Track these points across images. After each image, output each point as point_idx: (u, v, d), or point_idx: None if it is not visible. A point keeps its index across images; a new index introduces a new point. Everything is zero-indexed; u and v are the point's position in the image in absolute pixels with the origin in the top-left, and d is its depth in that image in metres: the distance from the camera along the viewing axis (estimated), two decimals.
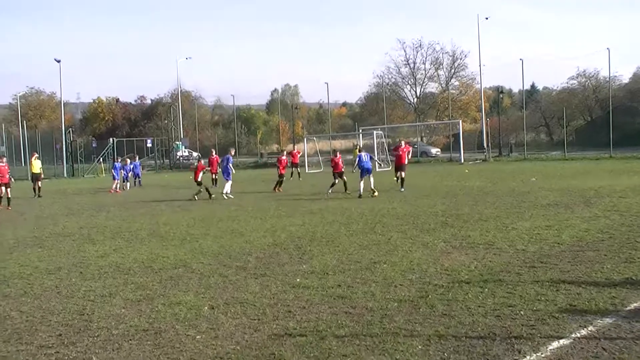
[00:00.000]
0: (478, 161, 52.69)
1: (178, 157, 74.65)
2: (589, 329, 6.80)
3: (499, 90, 70.40)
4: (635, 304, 7.55)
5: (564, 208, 17.05)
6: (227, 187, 26.89)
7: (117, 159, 40.87)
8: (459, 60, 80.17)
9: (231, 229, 15.98)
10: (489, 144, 57.87)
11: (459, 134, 55.43)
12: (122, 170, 36.94)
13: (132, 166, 39.63)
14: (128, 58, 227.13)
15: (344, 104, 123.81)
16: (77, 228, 17.84)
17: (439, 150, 64.17)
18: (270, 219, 17.76)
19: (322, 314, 7.80)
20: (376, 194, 23.37)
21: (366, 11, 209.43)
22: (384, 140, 52.24)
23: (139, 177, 40.95)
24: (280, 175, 30.32)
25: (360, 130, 56.78)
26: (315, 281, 9.46)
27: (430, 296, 8.28)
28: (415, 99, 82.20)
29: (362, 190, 23.57)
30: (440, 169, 42.64)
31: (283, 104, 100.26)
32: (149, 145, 74.06)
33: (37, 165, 33.13)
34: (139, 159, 46.54)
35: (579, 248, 11.12)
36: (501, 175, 32.25)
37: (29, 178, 35.77)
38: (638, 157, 44.19)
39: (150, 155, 74.38)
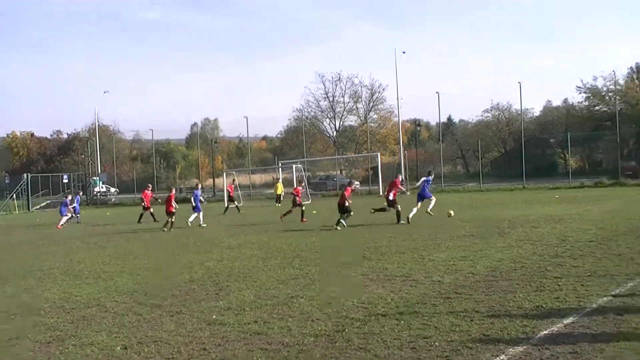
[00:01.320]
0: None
1: (95, 192, 73.26)
2: (501, 357, 6.90)
3: (416, 123, 71.80)
4: (545, 332, 7.70)
5: (479, 239, 17.37)
6: (193, 217, 29.32)
7: (66, 195, 41.17)
8: (377, 93, 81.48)
9: (147, 266, 15.73)
10: (407, 177, 58.66)
11: (377, 166, 56.08)
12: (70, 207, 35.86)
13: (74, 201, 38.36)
14: (44, 91, 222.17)
15: (264, 138, 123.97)
16: None
17: (359, 183, 64.70)
18: (188, 255, 17.55)
19: (238, 350, 7.71)
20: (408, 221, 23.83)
21: (284, 45, 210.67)
22: (303, 173, 52.41)
23: (77, 213, 38.91)
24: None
25: (280, 164, 56.89)
26: (231, 317, 9.36)
27: (346, 330, 8.27)
28: (335, 132, 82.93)
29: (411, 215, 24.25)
30: (360, 202, 42.92)
31: (203, 138, 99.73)
32: (65, 180, 72.50)
33: None
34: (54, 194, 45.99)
35: (493, 278, 11.31)
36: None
37: None
38: (549, 187, 45.59)
39: (66, 192, 72.78)
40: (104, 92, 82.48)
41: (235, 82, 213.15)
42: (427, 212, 24.97)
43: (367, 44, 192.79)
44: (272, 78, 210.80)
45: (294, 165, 49.67)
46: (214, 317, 9.47)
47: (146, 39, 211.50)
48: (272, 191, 43.78)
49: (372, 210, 26.48)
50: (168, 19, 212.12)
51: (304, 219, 27.98)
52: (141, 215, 34.51)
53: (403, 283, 11.33)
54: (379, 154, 59.56)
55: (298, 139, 74.16)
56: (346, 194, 24.44)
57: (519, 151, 54.35)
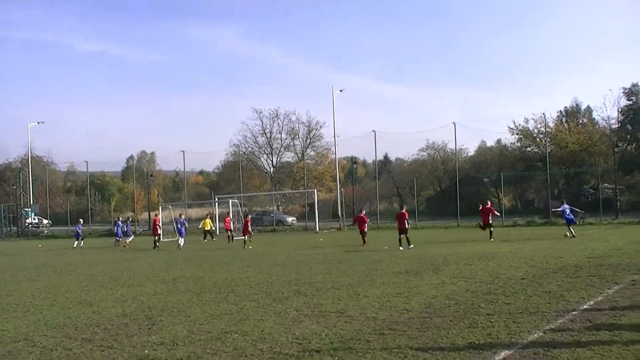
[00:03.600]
0: (333, 230, 53.47)
1: (27, 224, 71.71)
2: None
3: (352, 160, 72.36)
4: None
5: (414, 275, 17.50)
6: (182, 241, 36.29)
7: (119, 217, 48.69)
8: (315, 130, 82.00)
9: (79, 299, 15.41)
10: (344, 213, 58.91)
11: (314, 202, 56.22)
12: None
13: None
14: None
15: (201, 172, 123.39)
16: None
17: (295, 218, 64.79)
18: (120, 289, 17.27)
19: None
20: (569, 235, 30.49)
21: (222, 79, 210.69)
22: (239, 208, 52.22)
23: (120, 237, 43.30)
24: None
25: (217, 199, 56.60)
26: (164, 352, 9.22)
27: None
28: (272, 168, 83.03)
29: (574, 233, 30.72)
30: (296, 237, 42.99)
31: (139, 171, 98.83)
32: None
33: None
34: None
35: (427, 314, 11.40)
36: (355, 243, 32.79)
37: None
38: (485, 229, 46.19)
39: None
40: (38, 123, 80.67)
41: (173, 116, 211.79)
42: (565, 235, 30.84)
43: (305, 81, 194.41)
44: (209, 112, 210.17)
45: (230, 200, 49.44)
46: (146, 352, 9.33)
47: (83, 71, 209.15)
48: (200, 226, 43.50)
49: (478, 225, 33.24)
50: (106, 51, 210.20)
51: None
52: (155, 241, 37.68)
53: (337, 319, 11.33)
54: (315, 190, 59.85)
55: (235, 174, 74.04)
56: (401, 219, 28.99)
57: (454, 189, 55.17)
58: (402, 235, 28.70)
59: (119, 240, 42.61)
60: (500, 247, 26.25)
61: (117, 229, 44.38)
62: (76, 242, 43.52)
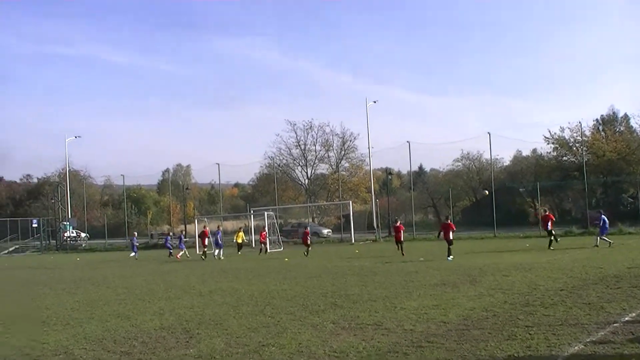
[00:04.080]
0: (368, 241, 53.39)
1: (65, 237, 72.55)
2: None
3: (387, 171, 72.09)
4: None
5: (451, 287, 17.38)
6: (220, 252, 38.41)
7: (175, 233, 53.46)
8: (349, 142, 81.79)
9: (117, 312, 15.53)
10: (379, 224, 58.77)
11: (349, 214, 56.16)
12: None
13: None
14: (14, 135, 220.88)
15: (236, 185, 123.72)
16: None
17: (330, 230, 64.72)
18: (158, 302, 17.38)
19: None
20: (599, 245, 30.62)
21: (256, 92, 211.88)
22: (275, 221, 52.30)
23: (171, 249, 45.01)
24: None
25: (252, 211, 56.78)
26: None
27: None
28: (307, 180, 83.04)
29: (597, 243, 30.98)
30: (332, 249, 42.96)
31: (174, 184, 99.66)
32: (35, 225, 71.87)
33: None
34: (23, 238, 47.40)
35: (465, 327, 11.31)
36: (391, 255, 32.70)
37: None
38: (519, 236, 45.86)
39: (35, 236, 72.10)
40: (75, 137, 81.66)
41: (207, 129, 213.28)
42: (596, 245, 30.85)
43: (338, 93, 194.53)
44: (244, 125, 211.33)
45: (265, 213, 49.57)
46: None
47: (118, 84, 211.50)
48: (234, 239, 43.85)
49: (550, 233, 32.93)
50: (141, 65, 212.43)
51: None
52: (204, 252, 39.91)
53: (374, 331, 11.28)
54: (350, 202, 59.74)
55: (270, 186, 74.14)
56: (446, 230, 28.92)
57: (490, 200, 54.76)
58: (449, 246, 28.69)
59: (171, 252, 44.00)
60: (537, 258, 25.98)
61: (166, 243, 46.86)
62: (133, 254, 45.36)
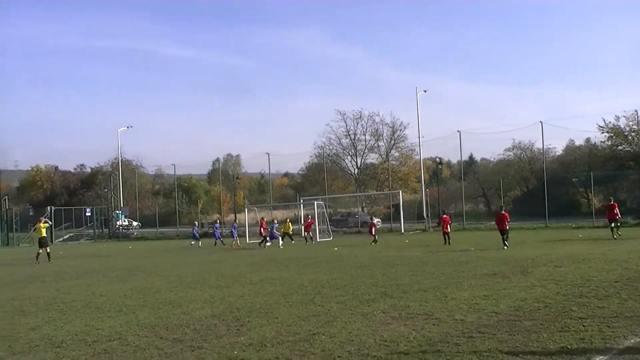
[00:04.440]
0: (418, 231, 53.18)
1: (117, 226, 73.63)
2: None
3: (437, 161, 71.59)
4: None
5: (502, 277, 17.21)
6: (280, 242, 39.57)
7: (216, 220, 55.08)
8: (399, 131, 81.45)
9: (169, 300, 15.70)
10: (429, 214, 58.49)
11: (399, 204, 55.98)
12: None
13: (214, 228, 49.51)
14: (68, 126, 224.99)
15: (286, 174, 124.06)
16: (8, 299, 17.33)
17: (380, 220, 64.53)
18: (209, 290, 17.52)
19: None
20: None
21: (306, 82, 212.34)
22: (324, 210, 52.35)
23: (219, 238, 47.83)
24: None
25: (302, 201, 56.91)
26: (252, 354, 9.30)
27: None
28: (356, 170, 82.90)
29: None
30: (381, 239, 42.81)
31: (224, 173, 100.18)
32: (88, 214, 73.10)
33: (44, 230, 33.38)
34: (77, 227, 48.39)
35: (516, 317, 11.18)
36: (440, 245, 32.53)
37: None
38: (571, 226, 45.24)
39: (88, 225, 73.29)
40: (127, 127, 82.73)
41: (258, 119, 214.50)
42: None
43: (388, 82, 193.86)
44: (294, 115, 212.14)
45: (315, 202, 49.62)
46: (235, 352, 9.42)
47: (171, 77, 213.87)
48: (295, 227, 44.27)
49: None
50: (189, 57, 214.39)
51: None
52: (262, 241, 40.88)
53: (425, 321, 11.22)
54: (400, 191, 59.53)
55: (319, 176, 74.25)
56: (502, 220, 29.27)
57: (541, 190, 54.08)
58: (503, 235, 28.99)
59: (217, 241, 46.06)
60: (591, 249, 25.60)
61: (215, 232, 48.58)
62: (193, 242, 46.55)
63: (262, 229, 41.32)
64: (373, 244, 36.99)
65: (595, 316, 10.97)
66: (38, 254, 32.64)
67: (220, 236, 47.40)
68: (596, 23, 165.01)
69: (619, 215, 33.68)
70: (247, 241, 46.37)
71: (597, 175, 58.77)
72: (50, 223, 34.84)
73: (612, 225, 32.83)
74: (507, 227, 29.37)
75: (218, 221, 50.35)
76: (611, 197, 36.89)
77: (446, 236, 34.09)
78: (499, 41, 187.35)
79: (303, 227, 44.65)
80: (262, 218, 44.07)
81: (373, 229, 40.54)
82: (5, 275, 25.74)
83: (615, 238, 30.90)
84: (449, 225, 35.47)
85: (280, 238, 40.05)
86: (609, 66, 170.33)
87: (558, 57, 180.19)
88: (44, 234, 33.41)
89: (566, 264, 20.06)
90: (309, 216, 45.66)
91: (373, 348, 9.31)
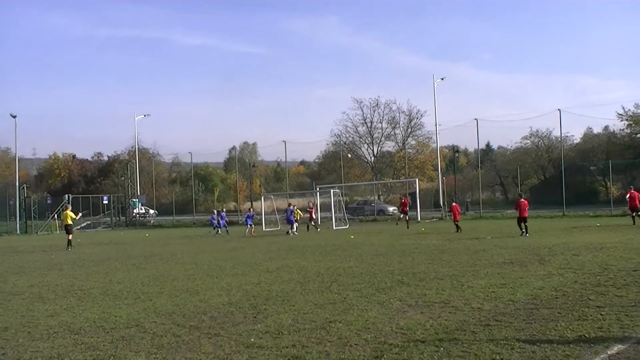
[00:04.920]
0: (435, 219, 53.07)
1: (134, 214, 73.97)
2: None
3: (454, 149, 71.39)
4: None
5: (519, 266, 17.15)
6: (293, 228, 40.08)
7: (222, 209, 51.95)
8: (415, 119, 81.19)
9: (186, 288, 15.75)
10: (445, 203, 58.33)
11: (415, 192, 55.86)
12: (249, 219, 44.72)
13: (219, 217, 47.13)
14: (86, 114, 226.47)
15: (302, 162, 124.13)
16: (27, 286, 17.45)
17: (396, 208, 64.41)
18: (225, 278, 17.56)
19: None
20: None
21: (323, 71, 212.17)
22: (341, 198, 52.33)
23: (226, 227, 47.06)
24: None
25: (318, 189, 56.90)
26: (269, 341, 9.32)
27: (385, 356, 8.19)
28: (373, 158, 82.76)
29: None
30: (398, 227, 42.79)
31: (241, 162, 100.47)
32: (105, 202, 73.56)
33: (70, 217, 34.16)
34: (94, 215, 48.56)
35: (534, 306, 11.14)
36: (457, 233, 32.46)
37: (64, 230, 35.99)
38: (590, 215, 44.96)
39: (106, 213, 73.68)
40: (145, 116, 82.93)
41: (274, 107, 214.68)
42: None
43: (405, 70, 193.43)
44: (310, 103, 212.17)
45: (332, 190, 49.61)
46: (252, 340, 9.44)
47: (187, 65, 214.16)
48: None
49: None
50: (206, 45, 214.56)
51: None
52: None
53: (442, 309, 11.20)
54: (417, 179, 59.38)
55: (336, 164, 74.18)
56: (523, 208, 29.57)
57: (559, 178, 53.78)
58: (522, 223, 29.29)
59: (214, 230, 45.95)
60: (609, 238, 25.46)
61: (211, 220, 48.07)
62: (217, 230, 46.35)
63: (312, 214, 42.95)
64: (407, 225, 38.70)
65: (614, 305, 10.92)
66: (69, 240, 33.44)
67: (216, 226, 46.66)
68: (620, 10, 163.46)
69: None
70: (264, 229, 46.42)
71: (616, 163, 58.37)
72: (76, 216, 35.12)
73: (634, 214, 33.47)
74: (527, 215, 29.63)
75: (216, 211, 49.06)
76: (631, 186, 36.97)
77: (457, 224, 34.64)
78: (519, 29, 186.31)
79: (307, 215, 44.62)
80: (290, 204, 44.15)
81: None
82: (24, 263, 25.90)
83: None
84: (458, 213, 35.87)
85: (295, 224, 40.47)
86: (631, 54, 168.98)
87: (579, 44, 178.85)
88: (69, 222, 34.12)
89: (584, 252, 19.97)
90: (310, 203, 45.64)
91: (389, 336, 9.31)
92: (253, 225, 43.83)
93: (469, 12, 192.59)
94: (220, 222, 46.58)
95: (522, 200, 30.22)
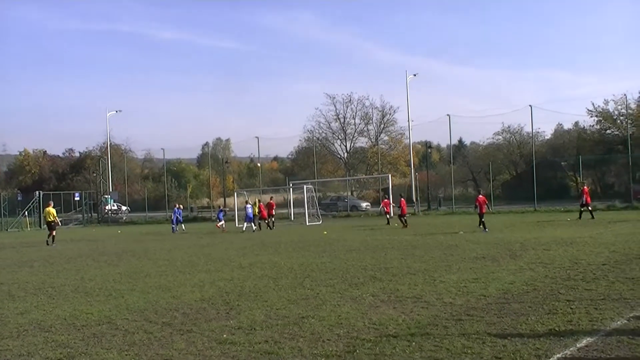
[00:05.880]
0: (407, 215, 53.20)
1: (106, 211, 73.48)
2: None
3: (427, 145, 71.70)
4: (558, 355, 7.62)
5: (491, 261, 17.28)
6: (250, 224, 40.27)
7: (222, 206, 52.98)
8: (388, 115, 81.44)
9: (158, 284, 15.69)
10: (418, 198, 58.56)
11: (388, 188, 56.02)
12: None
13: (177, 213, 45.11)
14: (56, 110, 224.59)
15: (275, 158, 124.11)
16: None
17: (369, 204, 64.56)
18: (198, 274, 17.51)
19: None
20: None
21: (295, 66, 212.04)
22: (314, 194, 52.34)
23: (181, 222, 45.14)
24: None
25: (291, 185, 56.87)
26: (242, 337, 9.32)
27: (357, 351, 8.22)
28: (346, 154, 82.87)
29: None
30: (370, 223, 42.92)
31: (214, 158, 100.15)
32: (77, 198, 72.94)
33: (51, 214, 34.40)
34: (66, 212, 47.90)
35: (505, 300, 11.24)
36: (430, 228, 32.63)
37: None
38: (560, 210, 45.35)
39: (77, 209, 73.12)
40: (117, 112, 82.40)
41: (247, 103, 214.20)
42: None
43: (378, 66, 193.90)
44: (284, 99, 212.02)
45: (305, 186, 49.59)
46: (225, 336, 9.44)
47: (158, 59, 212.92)
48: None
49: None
50: (180, 40, 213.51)
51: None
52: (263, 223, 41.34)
53: (414, 304, 11.26)
54: (390, 175, 59.46)
55: (309, 160, 74.24)
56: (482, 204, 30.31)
57: (530, 174, 54.18)
58: (482, 219, 29.55)
59: (174, 228, 43.59)
60: (579, 232, 25.70)
61: (173, 216, 45.09)
62: (175, 226, 44.13)
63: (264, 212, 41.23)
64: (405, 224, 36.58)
65: (583, 299, 11.05)
66: (53, 236, 33.54)
67: (176, 222, 44.09)
68: (593, 6, 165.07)
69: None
70: (237, 225, 46.29)
71: (586, 158, 58.97)
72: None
73: (589, 208, 35.86)
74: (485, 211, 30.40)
75: (177, 205, 46.53)
76: (584, 182, 39.63)
77: (402, 218, 36.39)
78: (488, 23, 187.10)
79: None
80: (271, 198, 43.69)
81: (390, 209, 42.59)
82: None
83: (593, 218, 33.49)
84: (405, 208, 37.67)
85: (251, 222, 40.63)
86: (602, 50, 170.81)
87: (550, 40, 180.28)
88: (51, 219, 34.25)
89: (555, 247, 20.16)
90: (272, 198, 45.21)
91: (362, 331, 9.34)
92: (224, 221, 43.40)
93: (441, 7, 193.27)
94: (179, 218, 44.70)
95: (480, 196, 31.05)
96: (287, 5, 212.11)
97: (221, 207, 45.38)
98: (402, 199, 38.18)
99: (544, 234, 25.70)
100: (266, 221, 41.30)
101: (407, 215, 37.56)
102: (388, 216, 41.37)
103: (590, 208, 36.16)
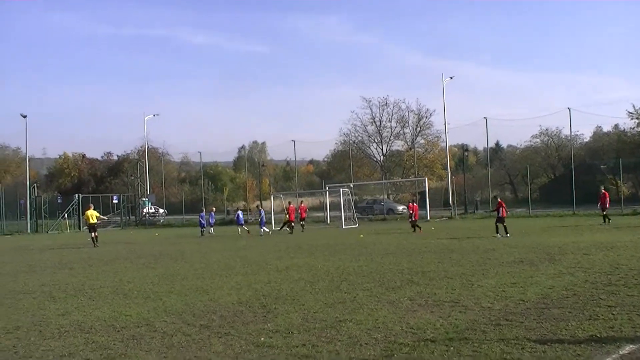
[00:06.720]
0: (444, 218, 52.96)
1: (144, 213, 74.06)
2: None
3: (464, 148, 71.19)
4: None
5: (529, 265, 17.11)
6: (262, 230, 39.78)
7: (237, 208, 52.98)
8: (424, 118, 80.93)
9: (196, 287, 15.77)
10: (455, 202, 58.22)
11: (424, 191, 55.78)
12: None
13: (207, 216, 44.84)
14: (95, 114, 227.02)
15: (311, 162, 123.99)
16: (38, 285, 17.51)
17: (405, 207, 64.24)
18: (235, 277, 17.58)
19: None
20: None
21: (332, 70, 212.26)
22: (350, 197, 52.25)
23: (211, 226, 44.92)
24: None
25: (327, 188, 56.84)
26: (279, 340, 9.32)
27: (395, 355, 8.18)
28: (382, 157, 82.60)
29: None
30: (407, 226, 42.73)
31: (250, 161, 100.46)
32: (115, 201, 73.62)
33: (94, 216, 35.12)
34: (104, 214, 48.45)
35: (544, 305, 11.11)
36: (467, 232, 32.41)
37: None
38: (599, 214, 44.71)
39: (116, 212, 73.80)
40: (154, 115, 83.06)
41: (284, 107, 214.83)
42: None
43: (414, 70, 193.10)
44: (319, 102, 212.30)
45: (341, 189, 49.51)
46: (262, 339, 9.45)
47: (197, 65, 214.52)
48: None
49: None
50: (217, 45, 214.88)
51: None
52: (285, 225, 41.87)
53: (452, 309, 11.18)
54: (426, 178, 59.24)
55: (345, 163, 74.04)
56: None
57: (569, 177, 53.59)
58: (499, 224, 29.04)
59: (202, 231, 43.22)
60: (619, 237, 25.35)
61: (200, 220, 44.36)
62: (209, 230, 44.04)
63: (292, 214, 41.13)
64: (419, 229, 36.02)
65: (625, 304, 10.88)
66: (94, 238, 34.29)
67: (204, 225, 43.54)
68: (632, 9, 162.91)
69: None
70: (273, 228, 46.37)
71: (626, 162, 58.10)
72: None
73: (604, 212, 35.55)
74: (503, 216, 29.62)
75: (204, 210, 46.58)
76: (602, 186, 38.49)
77: (416, 224, 36.31)
78: (526, 27, 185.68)
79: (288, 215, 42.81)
80: (289, 203, 43.50)
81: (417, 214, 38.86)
82: (35, 262, 25.98)
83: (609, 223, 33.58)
84: (417, 213, 37.53)
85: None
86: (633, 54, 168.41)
87: (588, 43, 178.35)
88: (93, 220, 34.92)
89: (594, 251, 19.91)
90: (290, 203, 44.48)
91: (400, 335, 9.30)
92: (244, 225, 42.88)
93: (476, 11, 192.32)
94: (210, 221, 44.50)
95: (500, 200, 30.62)
96: (319, 10, 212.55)
97: (259, 207, 45.15)
98: (415, 204, 38.10)
99: (583, 238, 25.40)
100: (292, 224, 41.33)
101: (444, 218, 37.12)
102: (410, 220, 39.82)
103: (604, 212, 35.69)
